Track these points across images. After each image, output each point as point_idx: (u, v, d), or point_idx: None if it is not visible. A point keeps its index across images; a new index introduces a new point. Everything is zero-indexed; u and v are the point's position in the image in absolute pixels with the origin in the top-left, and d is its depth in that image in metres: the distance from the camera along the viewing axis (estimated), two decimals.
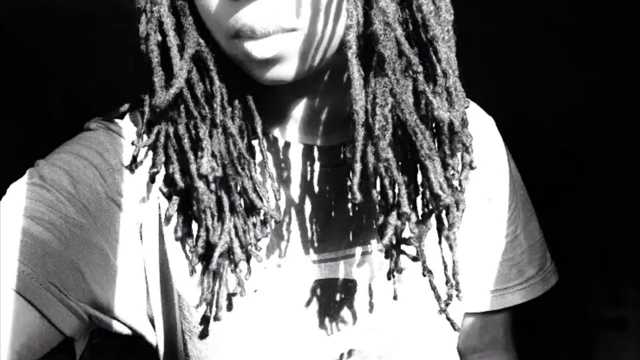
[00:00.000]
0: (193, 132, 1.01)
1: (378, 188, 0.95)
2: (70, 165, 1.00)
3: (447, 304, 1.01)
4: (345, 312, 1.14)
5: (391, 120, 0.91)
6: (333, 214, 1.14)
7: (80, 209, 0.97)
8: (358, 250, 1.14)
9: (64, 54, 3.82)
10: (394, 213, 0.95)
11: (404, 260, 1.03)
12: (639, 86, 4.04)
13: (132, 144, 1.05)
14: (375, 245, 1.15)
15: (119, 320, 1.03)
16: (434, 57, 0.92)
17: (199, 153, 0.99)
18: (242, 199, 1.03)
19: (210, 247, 1.02)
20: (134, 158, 1.04)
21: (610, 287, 5.20)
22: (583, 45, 4.09)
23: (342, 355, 1.14)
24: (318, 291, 1.12)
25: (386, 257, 1.04)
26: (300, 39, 0.92)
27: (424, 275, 1.01)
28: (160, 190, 1.06)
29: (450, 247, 0.97)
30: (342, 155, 1.12)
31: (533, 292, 1.31)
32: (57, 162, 1.01)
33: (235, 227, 1.02)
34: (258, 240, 1.05)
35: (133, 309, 1.05)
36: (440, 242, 1.00)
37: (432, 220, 0.99)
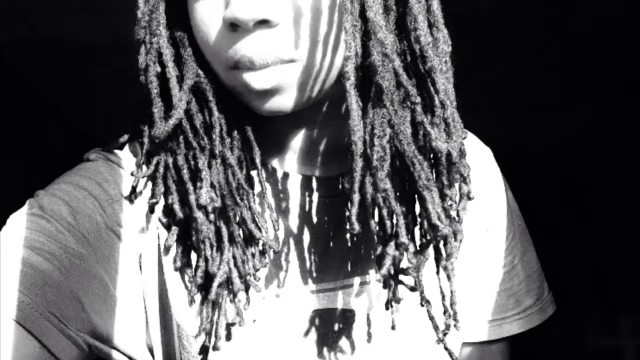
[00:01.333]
0: (192, 162, 1.01)
1: (376, 218, 0.96)
2: (70, 196, 1.01)
3: (445, 334, 1.01)
4: (343, 342, 1.14)
5: (389, 151, 0.91)
6: (331, 244, 1.14)
7: (79, 239, 0.98)
8: (356, 280, 1.15)
9: (64, 85, 3.83)
10: (392, 243, 0.95)
11: (402, 290, 1.03)
12: (633, 118, 4.07)
13: (132, 174, 1.05)
14: (373, 275, 1.15)
15: (118, 350, 1.03)
16: (432, 88, 0.93)
17: (198, 184, 1.00)
18: (241, 230, 1.04)
19: (209, 277, 1.02)
20: (134, 188, 1.04)
21: (607, 316, 5.20)
22: (580, 80, 4.12)
23: None
24: (316, 321, 1.12)
25: (384, 287, 1.04)
26: (298, 70, 0.93)
27: (422, 305, 1.01)
28: (160, 220, 1.07)
29: (448, 277, 0.98)
30: (340, 186, 1.12)
31: (530, 322, 1.31)
32: (57, 193, 1.01)
33: (234, 257, 1.02)
34: (257, 270, 1.05)
35: (132, 339, 1.05)
36: (438, 272, 1.00)
37: (430, 250, 0.99)
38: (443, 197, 0.94)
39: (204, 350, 1.07)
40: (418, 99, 0.91)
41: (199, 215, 0.99)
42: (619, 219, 4.65)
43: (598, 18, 3.49)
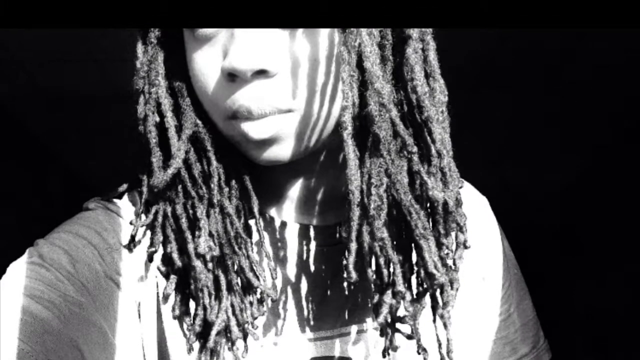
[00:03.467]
0: (190, 211, 1.02)
1: (373, 267, 0.96)
2: (69, 245, 1.01)
3: None
4: None
5: (386, 200, 0.92)
6: (329, 292, 1.14)
7: (79, 288, 0.97)
8: (354, 328, 1.15)
9: (63, 135, 3.84)
10: (389, 292, 0.95)
11: (399, 339, 1.03)
12: (633, 167, 4.08)
13: (131, 223, 1.05)
14: (370, 324, 1.15)
15: None
16: (428, 138, 0.93)
17: (197, 232, 1.00)
18: (239, 278, 1.04)
19: (207, 325, 1.02)
20: (132, 237, 1.04)
21: None
22: (580, 129, 4.13)
23: None
24: None
25: (381, 335, 1.04)
26: (296, 120, 0.94)
27: (419, 354, 1.01)
28: (158, 269, 1.06)
29: (445, 326, 0.98)
30: (337, 235, 1.12)
31: None
32: (56, 242, 1.01)
33: (232, 305, 1.02)
34: (255, 318, 1.05)
35: None
36: (434, 321, 1.01)
37: (427, 298, 0.99)
38: (439, 246, 0.95)
39: None
40: (415, 149, 0.92)
41: (197, 264, 0.99)
42: (618, 268, 4.64)
43: (598, 66, 3.51)
